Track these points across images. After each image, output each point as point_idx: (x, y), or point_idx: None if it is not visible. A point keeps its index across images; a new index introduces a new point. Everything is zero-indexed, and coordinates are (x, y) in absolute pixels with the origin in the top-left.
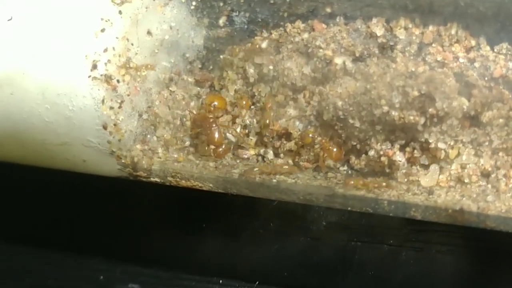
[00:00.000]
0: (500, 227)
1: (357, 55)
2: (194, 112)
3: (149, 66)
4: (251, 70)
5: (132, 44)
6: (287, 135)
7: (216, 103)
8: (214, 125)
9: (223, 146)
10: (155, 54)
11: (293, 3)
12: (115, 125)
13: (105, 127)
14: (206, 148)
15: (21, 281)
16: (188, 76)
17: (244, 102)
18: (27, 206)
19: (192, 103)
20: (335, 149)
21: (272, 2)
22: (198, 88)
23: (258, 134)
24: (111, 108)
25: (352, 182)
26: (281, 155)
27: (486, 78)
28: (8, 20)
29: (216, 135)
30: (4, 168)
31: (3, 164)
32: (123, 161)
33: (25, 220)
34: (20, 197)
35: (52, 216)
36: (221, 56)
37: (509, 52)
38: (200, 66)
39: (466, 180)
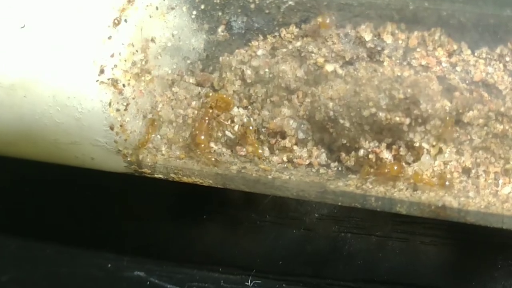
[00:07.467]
0: (480, 223)
1: (347, 59)
2: (196, 112)
3: (153, 78)
4: (248, 72)
5: (137, 51)
6: (281, 133)
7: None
8: (207, 118)
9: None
10: (158, 59)
11: (286, 13)
12: (121, 126)
13: (111, 128)
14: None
15: (35, 268)
16: (190, 77)
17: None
18: (43, 202)
19: (194, 103)
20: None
21: (267, 12)
22: (199, 88)
23: (255, 131)
24: (117, 110)
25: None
26: (276, 151)
27: (467, 82)
28: (21, 28)
29: (205, 125)
30: (25, 164)
31: (25, 162)
32: (129, 159)
33: (44, 215)
34: (35, 194)
35: (66, 211)
36: (220, 58)
37: (489, 56)
38: (200, 67)
39: (448, 176)
